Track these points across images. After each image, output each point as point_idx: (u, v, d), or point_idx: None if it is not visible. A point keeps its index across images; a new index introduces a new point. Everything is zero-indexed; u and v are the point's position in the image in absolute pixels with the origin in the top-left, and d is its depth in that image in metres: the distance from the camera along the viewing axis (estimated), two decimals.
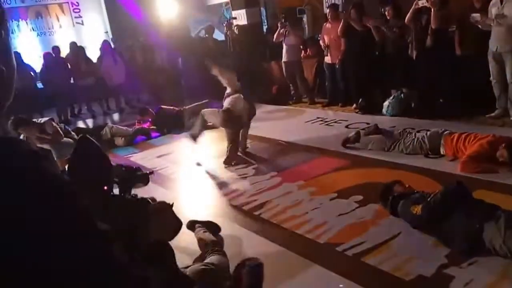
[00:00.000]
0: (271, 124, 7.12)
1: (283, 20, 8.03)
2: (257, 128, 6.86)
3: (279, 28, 8.04)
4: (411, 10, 6.33)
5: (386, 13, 6.70)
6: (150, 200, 2.33)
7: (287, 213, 3.85)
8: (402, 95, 6.63)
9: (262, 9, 10.85)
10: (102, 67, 9.68)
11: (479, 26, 5.67)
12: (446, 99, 6.35)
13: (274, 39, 8.22)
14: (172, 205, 2.41)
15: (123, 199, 2.23)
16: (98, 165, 2.15)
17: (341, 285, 2.81)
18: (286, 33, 7.92)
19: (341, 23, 7.06)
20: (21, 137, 5.56)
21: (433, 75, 6.34)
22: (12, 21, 10.89)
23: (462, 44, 6.16)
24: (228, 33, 9.42)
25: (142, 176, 2.44)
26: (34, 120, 5.87)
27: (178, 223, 2.42)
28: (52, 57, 9.24)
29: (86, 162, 2.14)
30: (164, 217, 2.28)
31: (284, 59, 8.23)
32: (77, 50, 9.64)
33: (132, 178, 2.32)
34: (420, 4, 6.29)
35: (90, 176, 2.10)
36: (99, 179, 2.16)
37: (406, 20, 6.41)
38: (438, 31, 6.14)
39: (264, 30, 10.32)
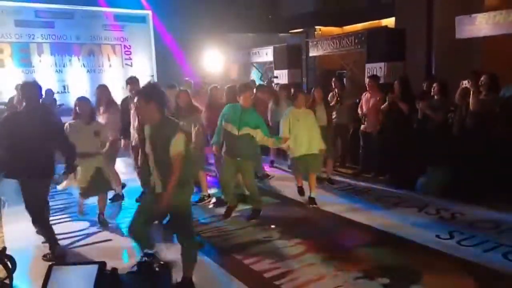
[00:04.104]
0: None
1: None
2: (285, 189, 6.85)
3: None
4: (458, 91, 6.34)
5: (432, 89, 6.68)
6: None
7: (309, 287, 3.73)
8: (437, 173, 6.49)
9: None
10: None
11: None
12: (483, 184, 6.14)
13: None
14: None
15: None
16: None
17: None
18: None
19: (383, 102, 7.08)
20: None
21: (471, 158, 6.20)
22: (66, 55, 11.52)
23: (502, 129, 6.05)
24: None
25: None
26: None
27: None
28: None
29: None
30: None
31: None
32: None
33: None
34: (464, 84, 6.28)
35: None
36: None
37: (455, 99, 6.40)
38: (477, 114, 6.06)
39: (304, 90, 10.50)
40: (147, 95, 3.48)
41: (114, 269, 1.19)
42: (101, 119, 5.96)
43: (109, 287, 1.08)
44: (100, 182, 5.29)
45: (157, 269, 1.37)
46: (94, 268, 1.09)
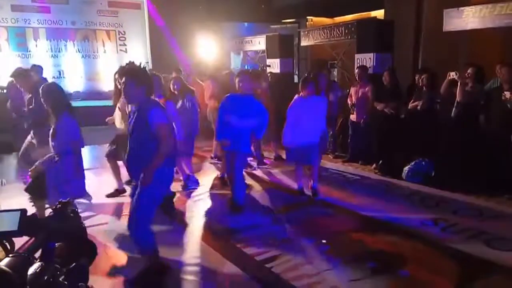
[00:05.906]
0: (292, 173, 7.26)
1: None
2: (278, 175, 7.06)
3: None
4: (445, 81, 6.53)
5: (421, 81, 6.87)
6: None
7: (299, 270, 3.88)
8: (423, 162, 6.72)
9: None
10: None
11: (508, 105, 5.75)
12: (467, 173, 6.35)
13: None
14: None
15: None
16: None
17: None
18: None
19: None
20: None
21: (456, 148, 6.43)
22: (61, 40, 11.51)
23: (488, 120, 6.25)
24: None
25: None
26: None
27: None
28: None
29: None
30: None
31: None
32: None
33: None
34: (452, 75, 6.47)
35: None
36: None
37: (441, 90, 6.59)
38: (463, 105, 6.26)
39: (295, 79, 10.64)
40: (139, 79, 3.44)
41: (34, 214, 1.50)
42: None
43: (29, 226, 1.40)
44: None
45: (71, 214, 1.65)
46: (17, 213, 1.41)
